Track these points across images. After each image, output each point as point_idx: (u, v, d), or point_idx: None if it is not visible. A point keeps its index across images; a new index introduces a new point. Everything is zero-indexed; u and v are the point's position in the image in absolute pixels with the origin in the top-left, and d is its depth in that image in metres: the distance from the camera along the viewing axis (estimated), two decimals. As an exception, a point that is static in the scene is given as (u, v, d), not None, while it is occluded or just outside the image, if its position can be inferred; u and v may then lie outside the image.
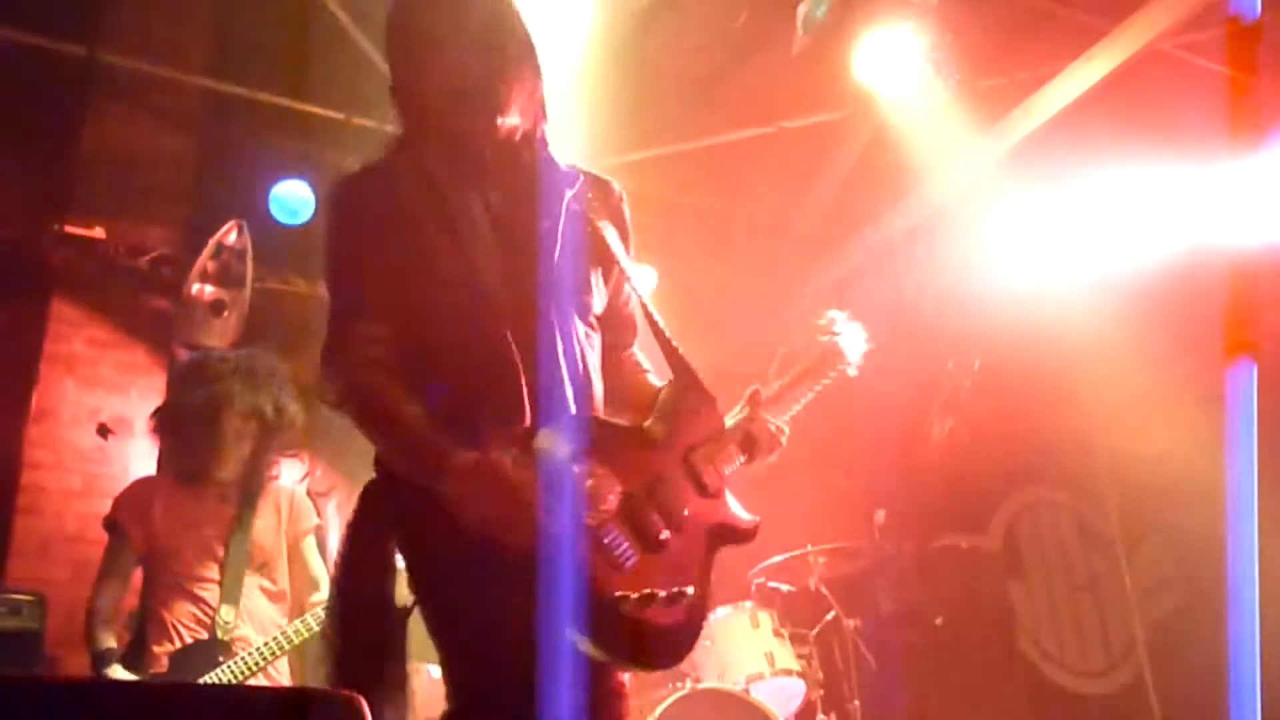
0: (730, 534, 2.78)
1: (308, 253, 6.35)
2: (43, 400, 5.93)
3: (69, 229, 6.04)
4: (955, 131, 6.58)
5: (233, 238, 5.97)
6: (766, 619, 5.55)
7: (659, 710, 4.92)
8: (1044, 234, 7.15)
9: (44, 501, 5.76)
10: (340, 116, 6.29)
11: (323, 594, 4.41)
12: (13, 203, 6.01)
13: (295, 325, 6.41)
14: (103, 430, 5.94)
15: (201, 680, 4.11)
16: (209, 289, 5.99)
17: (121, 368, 6.12)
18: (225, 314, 6.01)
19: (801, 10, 5.65)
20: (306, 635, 4.22)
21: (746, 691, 5.21)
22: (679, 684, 5.25)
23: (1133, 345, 7.85)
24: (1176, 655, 7.98)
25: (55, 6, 6.01)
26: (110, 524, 4.44)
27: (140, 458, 5.90)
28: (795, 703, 5.47)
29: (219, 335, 6.00)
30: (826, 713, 5.54)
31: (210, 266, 5.99)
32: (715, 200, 7.41)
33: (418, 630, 2.53)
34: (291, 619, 4.38)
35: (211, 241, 5.99)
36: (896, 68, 5.86)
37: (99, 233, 6.07)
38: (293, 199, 6.18)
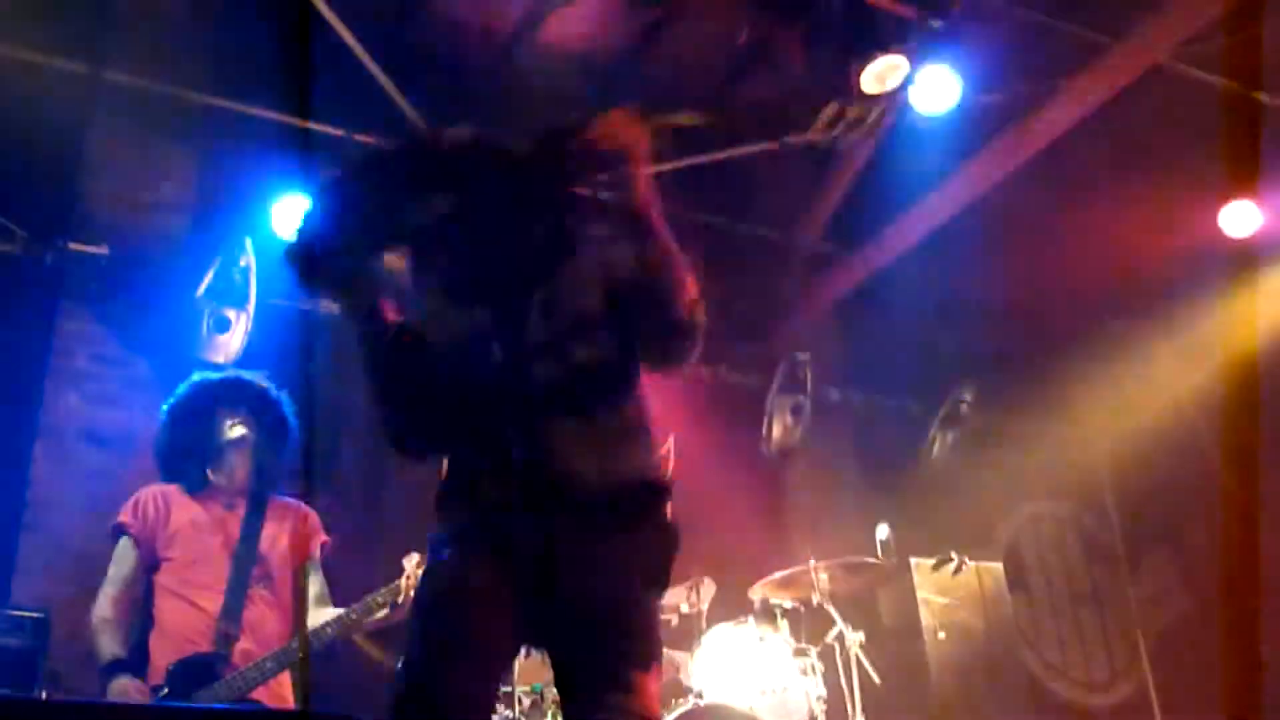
0: None
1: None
2: (48, 416, 5.94)
3: (73, 246, 6.06)
4: (955, 148, 6.61)
5: (237, 255, 6.00)
6: (770, 634, 5.55)
7: (662, 726, 4.93)
8: (1044, 248, 7.17)
9: (49, 518, 5.76)
10: (340, 133, 6.31)
11: (325, 610, 4.42)
12: (17, 220, 6.02)
13: (298, 341, 6.43)
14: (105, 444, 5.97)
15: (199, 692, 4.12)
16: (214, 305, 6.01)
17: (126, 384, 6.13)
18: (230, 330, 6.03)
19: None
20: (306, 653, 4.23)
21: (751, 708, 5.21)
22: (682, 700, 5.25)
23: (1133, 357, 7.87)
24: (1179, 664, 7.99)
25: (57, 24, 6.04)
26: (117, 529, 4.47)
27: (145, 474, 5.90)
28: (798, 718, 5.47)
29: (223, 351, 6.02)
30: (830, 728, 5.54)
31: (215, 283, 6.02)
32: (717, 216, 7.43)
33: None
34: (292, 633, 4.39)
35: (216, 259, 6.02)
36: (900, 86, 5.88)
37: (103, 249, 6.09)
38: (295, 215, 6.20)
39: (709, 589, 5.88)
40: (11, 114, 5.72)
